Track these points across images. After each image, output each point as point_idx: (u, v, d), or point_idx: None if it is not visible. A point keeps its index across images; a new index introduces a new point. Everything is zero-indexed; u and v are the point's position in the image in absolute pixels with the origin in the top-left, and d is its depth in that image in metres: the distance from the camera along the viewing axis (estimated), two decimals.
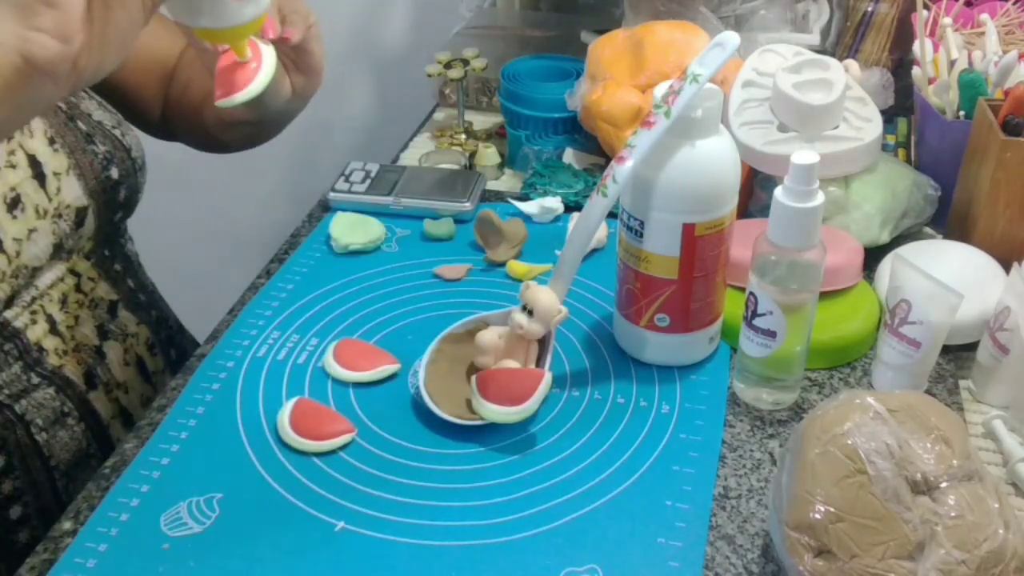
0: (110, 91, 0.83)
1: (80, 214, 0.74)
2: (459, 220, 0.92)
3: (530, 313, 0.69)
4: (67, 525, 0.62)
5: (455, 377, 0.71)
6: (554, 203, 0.93)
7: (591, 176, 0.98)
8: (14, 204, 0.69)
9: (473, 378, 0.69)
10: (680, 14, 1.00)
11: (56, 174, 0.72)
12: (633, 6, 1.07)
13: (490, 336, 0.71)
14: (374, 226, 0.90)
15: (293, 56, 0.71)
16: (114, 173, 0.77)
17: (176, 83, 0.88)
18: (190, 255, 1.59)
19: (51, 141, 0.73)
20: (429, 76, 1.09)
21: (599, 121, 0.95)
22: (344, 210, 0.93)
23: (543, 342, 0.71)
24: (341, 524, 0.62)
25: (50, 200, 0.72)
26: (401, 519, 0.62)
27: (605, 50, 0.97)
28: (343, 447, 0.67)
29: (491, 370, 0.70)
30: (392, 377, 0.74)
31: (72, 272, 0.76)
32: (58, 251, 0.73)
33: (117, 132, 0.79)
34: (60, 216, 0.73)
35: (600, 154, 1.01)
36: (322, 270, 0.86)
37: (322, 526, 0.62)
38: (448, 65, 1.08)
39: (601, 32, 1.02)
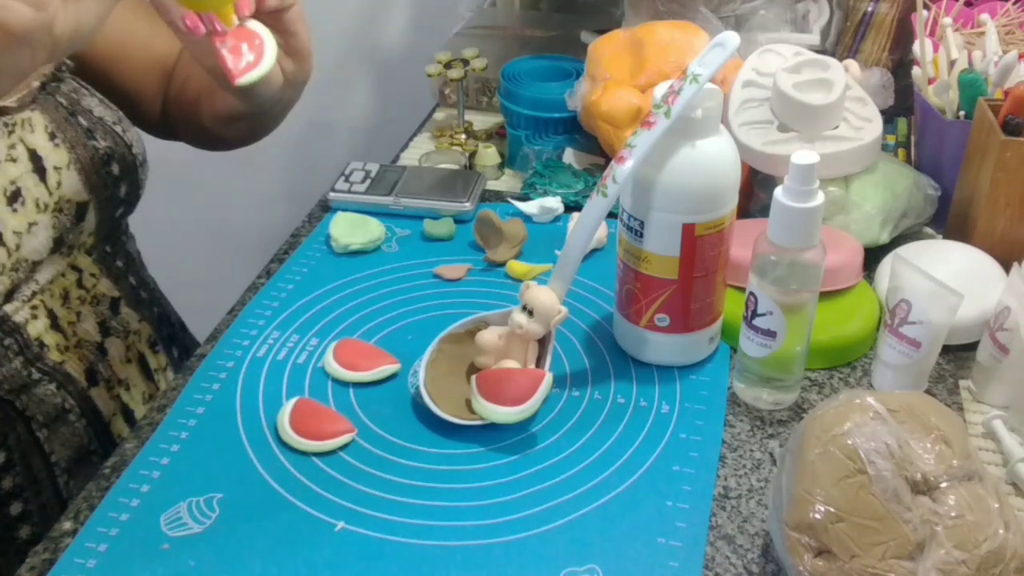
0: (109, 89, 0.83)
1: (81, 209, 0.75)
2: (459, 220, 0.92)
3: (530, 313, 0.69)
4: (67, 525, 0.62)
5: (455, 377, 0.71)
6: (554, 203, 0.93)
7: (591, 176, 0.97)
8: (14, 197, 0.70)
9: (473, 378, 0.69)
10: (680, 14, 1.00)
11: (56, 168, 0.73)
12: (633, 6, 1.07)
13: (490, 336, 0.71)
14: (374, 226, 0.90)
15: (279, 40, 0.71)
16: (115, 169, 0.77)
17: (175, 81, 0.88)
18: (190, 255, 1.60)
19: (52, 136, 0.73)
20: (429, 76, 1.09)
21: (599, 121, 0.95)
22: (344, 210, 0.93)
23: (543, 342, 0.71)
24: (341, 524, 0.62)
25: (50, 194, 0.72)
26: (401, 519, 0.62)
27: (605, 50, 0.97)
28: (343, 447, 0.67)
29: (491, 370, 0.70)
30: (392, 377, 0.74)
31: (73, 268, 0.76)
32: (59, 245, 0.73)
33: (118, 128, 0.79)
34: (60, 210, 0.73)
35: (600, 154, 1.01)
36: (322, 270, 0.86)
37: (322, 526, 0.62)
38: (448, 65, 1.08)
39: (601, 32, 1.02)
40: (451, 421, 0.68)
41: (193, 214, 1.65)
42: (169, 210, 1.44)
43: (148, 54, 0.88)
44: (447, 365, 0.72)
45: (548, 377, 0.67)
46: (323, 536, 0.61)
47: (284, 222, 1.00)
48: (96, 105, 0.79)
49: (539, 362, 0.71)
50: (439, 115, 1.18)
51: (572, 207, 0.94)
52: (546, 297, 0.68)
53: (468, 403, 0.69)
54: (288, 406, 0.69)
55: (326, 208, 0.95)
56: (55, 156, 0.73)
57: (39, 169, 0.72)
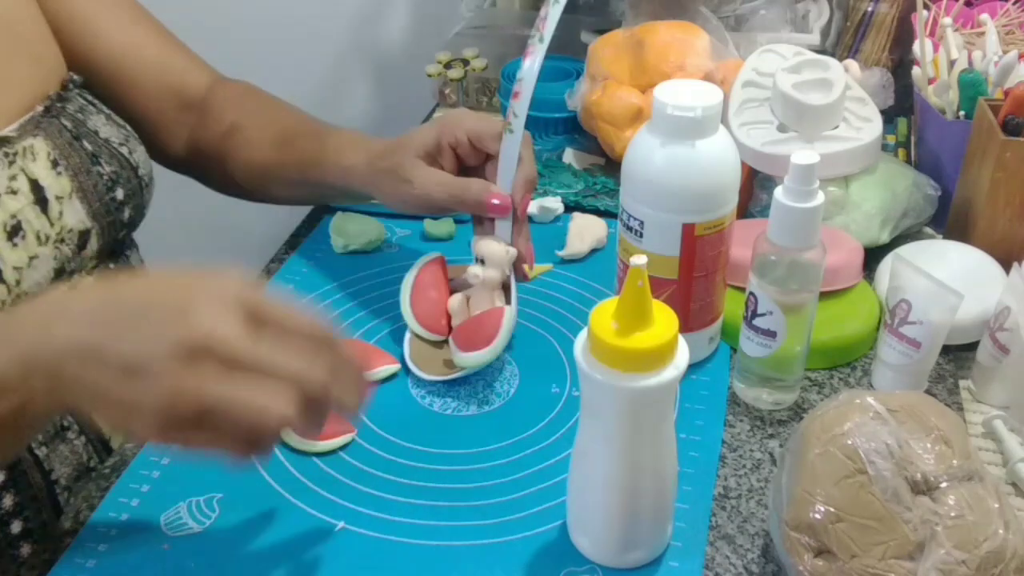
0: (119, 112, 0.81)
1: (83, 237, 0.72)
2: (459, 220, 0.92)
3: (483, 262, 0.73)
4: (67, 525, 0.62)
5: (440, 346, 0.75)
6: (554, 203, 0.93)
7: (591, 176, 0.98)
8: (15, 232, 0.67)
9: (450, 338, 0.73)
10: (680, 14, 1.00)
11: (59, 198, 0.70)
12: (633, 6, 1.07)
13: (457, 300, 0.75)
14: (374, 226, 0.90)
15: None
16: (119, 194, 0.75)
17: (213, 122, 0.85)
18: (190, 255, 1.59)
19: (54, 164, 0.70)
20: (429, 76, 1.09)
21: (599, 121, 0.95)
22: (344, 210, 0.93)
23: (506, 289, 0.75)
24: (341, 524, 0.62)
25: (52, 225, 0.69)
26: (401, 519, 0.62)
27: (605, 50, 0.97)
28: (343, 447, 0.67)
29: (461, 324, 0.74)
30: (392, 377, 0.74)
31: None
32: (60, 275, 0.71)
33: (124, 150, 0.77)
34: (62, 241, 0.70)
35: (600, 154, 1.01)
36: (322, 270, 0.86)
37: (322, 526, 0.62)
38: (448, 65, 1.08)
39: (601, 32, 1.02)
40: (433, 380, 0.72)
41: (193, 214, 1.65)
42: (168, 210, 1.43)
43: (157, 79, 0.84)
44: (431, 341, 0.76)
45: (508, 310, 0.70)
46: (323, 536, 0.61)
47: (284, 222, 1.00)
48: (103, 124, 0.76)
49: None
50: (439, 115, 1.18)
51: (572, 207, 0.94)
52: (494, 244, 0.73)
53: (449, 363, 0.72)
54: None
55: (326, 208, 0.95)
56: (57, 185, 0.70)
57: (40, 200, 0.69)
